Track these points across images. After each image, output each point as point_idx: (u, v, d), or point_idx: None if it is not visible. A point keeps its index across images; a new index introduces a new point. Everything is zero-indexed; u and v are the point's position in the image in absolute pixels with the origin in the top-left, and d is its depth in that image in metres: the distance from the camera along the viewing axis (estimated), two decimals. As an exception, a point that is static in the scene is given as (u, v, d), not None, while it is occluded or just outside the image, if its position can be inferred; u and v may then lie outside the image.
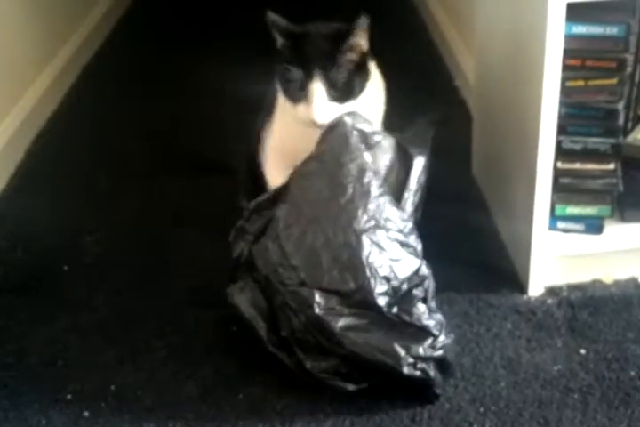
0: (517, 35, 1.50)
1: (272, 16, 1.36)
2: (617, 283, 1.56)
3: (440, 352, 1.29)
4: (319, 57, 1.35)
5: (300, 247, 1.31)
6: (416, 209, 1.39)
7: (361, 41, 1.36)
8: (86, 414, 1.34)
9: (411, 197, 1.38)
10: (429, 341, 1.28)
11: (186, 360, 1.43)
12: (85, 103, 2.39)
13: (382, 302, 1.27)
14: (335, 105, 1.36)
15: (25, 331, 1.51)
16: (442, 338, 1.29)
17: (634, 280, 1.56)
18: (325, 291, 1.28)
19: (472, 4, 1.90)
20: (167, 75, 2.50)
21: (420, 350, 1.27)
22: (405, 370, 1.26)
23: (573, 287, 1.55)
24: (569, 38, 1.34)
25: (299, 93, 1.36)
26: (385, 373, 1.27)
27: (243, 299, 1.37)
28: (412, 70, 2.12)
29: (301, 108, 1.37)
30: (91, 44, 2.70)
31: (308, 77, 1.34)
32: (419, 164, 1.40)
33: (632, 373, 1.36)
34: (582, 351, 1.41)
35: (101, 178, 1.99)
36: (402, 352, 1.26)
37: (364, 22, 1.34)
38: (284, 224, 1.33)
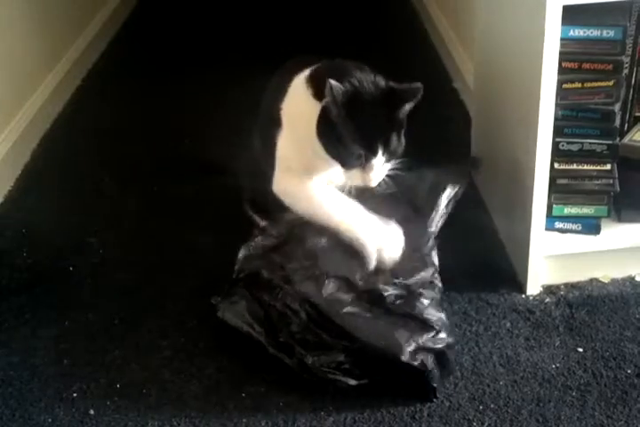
0: (515, 38, 1.52)
1: (334, 86, 1.27)
2: (614, 282, 1.57)
3: (440, 346, 1.31)
4: (380, 132, 1.31)
5: (312, 245, 1.35)
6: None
7: (410, 106, 1.34)
8: (92, 412, 1.36)
9: (437, 218, 1.45)
10: (430, 334, 1.31)
11: (190, 359, 1.44)
12: (90, 106, 2.40)
13: (388, 294, 1.32)
14: (387, 165, 1.36)
15: (31, 330, 1.53)
16: (443, 335, 1.32)
17: (630, 279, 1.58)
18: (334, 278, 1.32)
19: (471, 8, 1.92)
20: (171, 78, 2.51)
21: (420, 341, 1.30)
22: (404, 358, 1.28)
23: (571, 286, 1.56)
24: (565, 41, 1.35)
25: (355, 162, 1.33)
26: (385, 361, 1.30)
27: (237, 309, 1.40)
28: (412, 72, 2.13)
29: (356, 173, 1.35)
30: (96, 46, 2.72)
31: (371, 154, 1.31)
32: (450, 192, 1.47)
33: (629, 371, 1.38)
34: (580, 350, 1.43)
35: (106, 179, 2.00)
36: (402, 340, 1.29)
37: (418, 91, 1.31)
38: (299, 230, 1.38)
